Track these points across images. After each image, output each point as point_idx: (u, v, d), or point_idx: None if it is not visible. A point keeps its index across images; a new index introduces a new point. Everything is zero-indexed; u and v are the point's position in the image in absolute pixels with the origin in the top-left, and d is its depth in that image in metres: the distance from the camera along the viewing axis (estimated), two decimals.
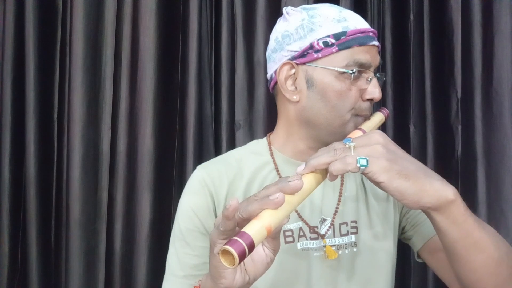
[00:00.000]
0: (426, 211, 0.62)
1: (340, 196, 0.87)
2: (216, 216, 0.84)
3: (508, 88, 1.30)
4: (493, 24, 1.31)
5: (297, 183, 0.56)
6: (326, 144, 0.65)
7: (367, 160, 0.58)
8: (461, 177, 1.34)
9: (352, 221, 0.86)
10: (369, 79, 0.80)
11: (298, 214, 0.84)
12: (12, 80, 1.54)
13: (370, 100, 0.81)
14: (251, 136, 1.48)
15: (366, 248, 0.85)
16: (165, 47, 1.51)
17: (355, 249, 0.84)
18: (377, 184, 0.59)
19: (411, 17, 1.43)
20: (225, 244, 0.50)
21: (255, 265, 0.60)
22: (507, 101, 1.30)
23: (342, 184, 0.88)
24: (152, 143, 1.49)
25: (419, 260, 0.90)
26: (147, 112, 1.49)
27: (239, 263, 0.50)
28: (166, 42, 1.51)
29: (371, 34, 0.81)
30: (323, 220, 0.85)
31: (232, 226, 0.55)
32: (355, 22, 0.81)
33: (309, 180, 0.59)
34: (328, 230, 0.84)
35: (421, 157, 1.39)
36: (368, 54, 0.80)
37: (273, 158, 0.88)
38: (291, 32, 0.82)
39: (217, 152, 1.49)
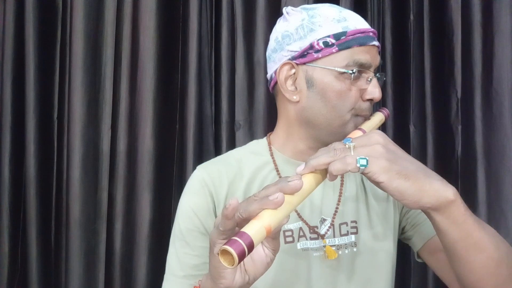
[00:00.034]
0: (426, 211, 0.62)
1: (340, 196, 0.87)
2: (216, 216, 0.84)
3: (508, 88, 1.30)
4: (493, 24, 1.31)
5: (296, 183, 0.56)
6: (326, 144, 0.65)
7: (367, 160, 0.58)
8: (461, 177, 1.34)
9: (352, 221, 0.86)
10: (369, 79, 0.80)
11: (298, 214, 0.84)
12: (12, 80, 1.54)
13: (370, 100, 0.81)
14: (251, 136, 1.48)
15: (366, 248, 0.85)
16: (165, 47, 1.51)
17: (355, 249, 0.84)
18: (377, 184, 0.59)
19: (411, 17, 1.43)
20: (225, 244, 0.50)
21: (255, 265, 0.60)
22: (507, 101, 1.30)
23: (342, 184, 0.88)
24: (152, 143, 1.49)
25: (419, 260, 0.90)
26: (147, 112, 1.49)
27: (239, 263, 0.50)
28: (166, 42, 1.51)
29: (371, 34, 0.81)
30: (323, 220, 0.85)
31: (231, 226, 0.55)
32: (355, 22, 0.81)
33: (308, 180, 0.59)
34: (328, 230, 0.84)
35: (421, 157, 1.39)
36: (368, 54, 0.80)
37: (273, 158, 0.88)
38: (291, 32, 0.82)
39: (217, 152, 1.49)
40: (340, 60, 0.78)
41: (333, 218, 0.85)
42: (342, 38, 0.78)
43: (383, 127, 1.35)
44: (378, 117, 0.82)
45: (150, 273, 1.47)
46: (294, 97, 0.83)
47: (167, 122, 1.50)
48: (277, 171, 0.87)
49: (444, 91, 1.39)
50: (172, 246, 0.86)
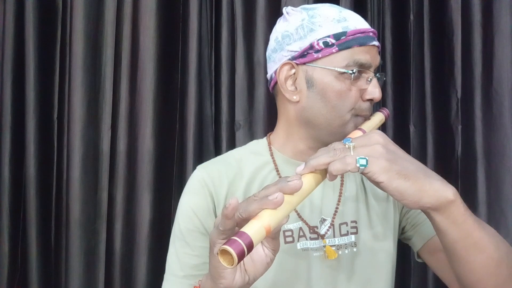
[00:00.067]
0: (426, 211, 0.62)
1: (340, 196, 0.87)
2: (216, 216, 0.84)
3: (508, 88, 1.30)
4: (493, 24, 1.31)
5: (296, 183, 0.56)
6: (326, 144, 0.65)
7: (367, 160, 0.58)
8: (461, 177, 1.34)
9: (352, 221, 0.86)
10: (369, 79, 0.80)
11: (298, 214, 0.84)
12: (12, 80, 1.54)
13: (370, 100, 0.81)
14: (251, 136, 1.48)
15: (366, 248, 0.85)
16: (165, 47, 1.51)
17: (355, 249, 0.84)
18: (377, 184, 0.59)
19: (411, 17, 1.43)
20: (224, 244, 0.50)
21: (255, 265, 0.60)
22: (507, 101, 1.30)
23: (342, 184, 0.88)
24: (152, 143, 1.49)
25: (419, 260, 0.90)
26: (147, 112, 1.49)
27: (238, 263, 0.50)
28: (166, 42, 1.51)
29: (371, 34, 0.81)
30: (323, 220, 0.85)
31: (231, 226, 0.55)
32: (355, 22, 0.81)
33: (308, 180, 0.59)
34: (328, 230, 0.84)
35: (421, 157, 1.39)
36: (368, 54, 0.80)
37: (273, 158, 0.88)
38: (291, 32, 0.82)
39: (217, 152, 1.49)
40: (340, 60, 0.78)
41: (333, 218, 0.85)
42: (342, 38, 0.78)
43: (383, 127, 1.35)
44: (378, 117, 0.82)
45: (150, 273, 1.47)
46: (294, 97, 0.83)
47: (167, 122, 1.50)
48: (277, 171, 0.87)
49: (444, 91, 1.39)
50: (172, 246, 0.86)
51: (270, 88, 0.89)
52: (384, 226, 0.88)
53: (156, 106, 1.49)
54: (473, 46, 1.33)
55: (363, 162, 0.58)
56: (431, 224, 0.65)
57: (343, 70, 0.78)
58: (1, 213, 1.53)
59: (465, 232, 0.62)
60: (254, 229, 0.52)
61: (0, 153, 1.53)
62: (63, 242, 1.50)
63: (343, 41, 0.78)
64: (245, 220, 0.54)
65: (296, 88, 0.83)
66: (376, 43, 0.81)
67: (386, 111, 0.84)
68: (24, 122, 1.51)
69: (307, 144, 0.85)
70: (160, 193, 1.50)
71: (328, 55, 0.79)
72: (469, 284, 0.67)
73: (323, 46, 0.78)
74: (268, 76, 0.89)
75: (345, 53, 0.78)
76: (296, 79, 0.82)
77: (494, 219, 1.29)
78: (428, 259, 0.87)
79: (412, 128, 1.43)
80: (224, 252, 0.51)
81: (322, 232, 0.84)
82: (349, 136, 0.72)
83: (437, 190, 0.60)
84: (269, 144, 0.90)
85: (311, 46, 0.79)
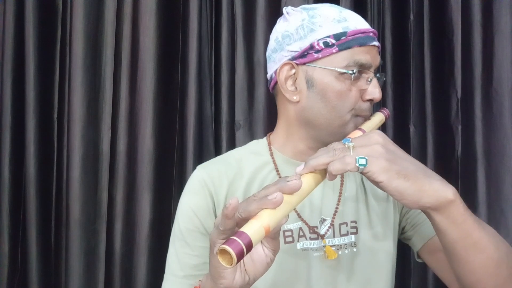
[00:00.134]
0: (426, 211, 0.62)
1: (340, 196, 0.87)
2: (216, 216, 0.84)
3: (508, 88, 1.30)
4: (493, 24, 1.31)
5: (296, 183, 0.56)
6: (326, 144, 0.65)
7: (366, 160, 0.58)
8: (461, 177, 1.34)
9: (352, 221, 0.86)
10: (369, 80, 0.80)
11: (298, 214, 0.84)
12: (12, 80, 1.54)
13: (370, 100, 0.81)
14: (251, 136, 1.48)
15: (366, 248, 0.85)
16: (165, 47, 1.51)
17: (355, 249, 0.84)
18: (377, 184, 0.59)
19: (411, 17, 1.43)
20: (223, 243, 0.50)
21: (255, 265, 0.60)
22: (507, 101, 1.30)
23: (342, 184, 0.88)
24: (152, 143, 1.49)
25: (419, 260, 0.90)
26: (147, 112, 1.49)
27: (237, 262, 0.50)
28: (166, 42, 1.51)
29: (371, 34, 0.81)
30: (322, 220, 0.85)
31: (231, 226, 0.55)
32: (356, 22, 0.81)
33: (308, 180, 0.59)
34: (328, 230, 0.84)
35: (421, 157, 1.39)
36: (368, 55, 0.80)
37: (273, 158, 0.88)
38: (291, 32, 0.82)
39: (217, 152, 1.49)
40: (340, 60, 0.78)
41: (333, 218, 0.85)
42: (342, 38, 0.78)
43: (383, 127, 1.35)
44: (378, 117, 0.82)
45: (150, 273, 1.47)
46: (294, 97, 0.83)
47: (167, 122, 1.50)
48: (277, 171, 0.87)
49: (444, 91, 1.39)
50: (172, 246, 0.86)
51: (270, 88, 0.89)
52: (384, 226, 0.88)
53: (156, 106, 1.49)
54: (473, 46, 1.33)
55: (363, 162, 0.58)
56: (431, 224, 0.65)
57: (343, 70, 0.78)
58: (1, 213, 1.53)
59: (465, 232, 0.62)
60: (253, 229, 0.52)
61: (0, 153, 1.53)
62: (63, 242, 1.50)
63: (343, 41, 0.78)
64: (245, 220, 0.55)
65: (296, 88, 0.83)
66: (376, 43, 0.81)
67: (386, 111, 0.84)
68: (24, 122, 1.51)
69: (307, 144, 0.85)
70: (160, 193, 1.50)
71: (328, 55, 0.79)
72: (468, 284, 0.66)
73: (323, 46, 0.78)
74: (268, 76, 0.89)
75: (345, 53, 0.78)
76: (296, 79, 0.82)
77: (494, 219, 1.29)
78: (428, 259, 0.87)
79: (412, 128, 1.43)
80: (223, 252, 0.51)
81: (322, 232, 0.84)
82: (349, 136, 0.72)
83: (437, 190, 0.60)
84: (269, 144, 0.90)
85: (311, 46, 0.79)
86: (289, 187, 0.56)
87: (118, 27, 1.51)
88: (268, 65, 0.88)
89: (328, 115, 0.80)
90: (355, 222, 0.86)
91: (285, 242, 0.82)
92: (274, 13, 1.46)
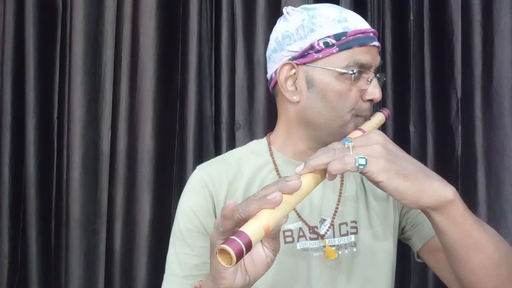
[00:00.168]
0: (426, 211, 0.62)
1: (340, 196, 0.87)
2: (216, 216, 0.84)
3: (508, 88, 1.30)
4: (493, 24, 1.31)
5: (295, 183, 0.56)
6: (326, 144, 0.65)
7: (366, 160, 0.58)
8: (461, 177, 1.34)
9: (351, 221, 0.86)
10: (369, 80, 0.80)
11: (298, 214, 0.84)
12: (12, 80, 1.54)
13: (370, 100, 0.81)
14: (251, 136, 1.48)
15: (365, 248, 0.85)
16: (165, 47, 1.51)
17: (354, 249, 0.84)
18: (376, 183, 0.59)
19: (411, 17, 1.43)
20: (223, 243, 0.50)
21: (255, 265, 0.60)
22: (507, 101, 1.30)
23: (342, 184, 0.88)
24: (152, 143, 1.49)
25: (419, 260, 0.90)
26: (147, 112, 1.49)
27: (237, 262, 0.50)
28: (166, 42, 1.51)
29: (371, 34, 0.81)
30: (322, 220, 0.85)
31: (231, 226, 0.55)
32: (356, 22, 0.81)
33: (308, 180, 0.59)
34: (327, 230, 0.84)
35: (421, 157, 1.39)
36: (369, 55, 0.80)
37: (272, 158, 0.88)
38: (291, 32, 0.82)
39: (217, 152, 1.49)
40: (340, 60, 0.78)
41: (333, 218, 0.85)
42: (343, 38, 0.78)
43: (383, 127, 1.35)
44: (378, 118, 0.82)
45: (150, 273, 1.47)
46: (294, 98, 0.83)
47: (167, 122, 1.50)
48: (277, 171, 0.87)
49: (444, 91, 1.39)
50: (171, 246, 0.86)
51: (270, 88, 0.89)
52: (384, 226, 0.88)
53: (156, 106, 1.49)
54: (473, 46, 1.33)
55: (362, 161, 0.58)
56: (430, 224, 0.65)
57: (344, 71, 0.78)
58: (1, 213, 1.53)
59: (465, 232, 0.62)
60: (252, 229, 0.52)
61: (0, 153, 1.53)
62: (63, 242, 1.50)
63: (343, 41, 0.78)
64: (245, 221, 0.55)
65: (296, 88, 0.83)
66: (376, 43, 0.81)
67: (386, 111, 0.84)
68: (24, 122, 1.51)
69: (307, 144, 0.85)
70: (160, 193, 1.50)
71: (329, 55, 0.79)
72: (468, 284, 0.66)
73: (323, 47, 0.78)
74: (268, 76, 0.89)
75: (345, 54, 0.78)
76: (296, 79, 0.82)
77: (494, 219, 1.29)
78: (428, 259, 0.87)
79: (412, 128, 1.43)
80: (223, 252, 0.51)
81: (322, 232, 0.84)
82: (349, 136, 0.72)
83: (437, 190, 0.60)
84: (269, 144, 0.90)
85: (312, 46, 0.79)
86: (288, 187, 0.56)
87: (118, 27, 1.51)
88: (268, 65, 0.88)
89: (328, 115, 0.80)
90: (355, 222, 0.86)
91: (285, 242, 0.82)
92: (274, 13, 1.46)
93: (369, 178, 0.59)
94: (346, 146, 0.60)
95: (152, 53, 1.49)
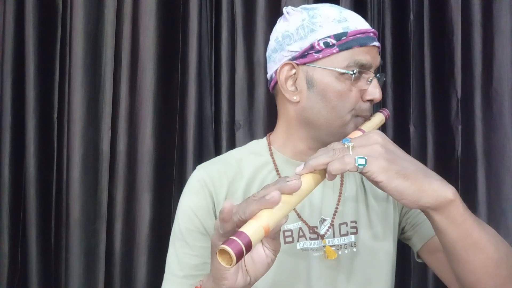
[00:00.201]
0: (425, 211, 0.62)
1: (339, 196, 0.87)
2: (215, 216, 0.84)
3: (508, 88, 1.30)
4: (493, 24, 1.31)
5: (295, 183, 0.56)
6: (326, 144, 0.65)
7: (366, 160, 0.58)
8: (461, 177, 1.34)
9: (351, 221, 0.86)
10: (369, 80, 0.80)
11: (298, 214, 0.84)
12: (12, 80, 1.54)
13: (371, 100, 0.81)
14: (251, 136, 1.48)
15: (365, 248, 0.85)
16: (165, 47, 1.51)
17: (354, 249, 0.84)
18: (376, 183, 0.59)
19: (411, 17, 1.43)
20: (223, 243, 0.50)
21: (256, 265, 0.60)
22: (507, 101, 1.30)
23: (341, 184, 0.88)
24: (152, 143, 1.49)
25: (419, 260, 0.90)
26: (147, 112, 1.49)
27: (237, 262, 0.50)
28: (166, 42, 1.51)
29: (371, 34, 0.81)
30: (322, 220, 0.85)
31: (230, 228, 0.55)
32: (356, 22, 0.81)
33: (307, 180, 0.59)
34: (327, 230, 0.84)
35: (421, 157, 1.39)
36: (369, 55, 0.80)
37: (272, 158, 0.88)
38: (291, 32, 0.82)
39: (217, 152, 1.49)
40: (340, 60, 0.78)
41: (333, 218, 0.85)
42: (343, 38, 0.78)
43: (383, 127, 1.35)
44: (378, 118, 0.82)
45: (150, 273, 1.47)
46: (294, 98, 0.83)
47: (167, 122, 1.50)
48: (277, 171, 0.87)
49: (444, 91, 1.39)
50: (171, 246, 0.86)
51: (270, 88, 0.89)
52: (384, 226, 0.88)
53: (156, 106, 1.49)
54: (473, 46, 1.33)
55: (362, 161, 0.58)
56: (430, 224, 0.65)
57: (344, 71, 0.78)
58: (1, 213, 1.53)
59: (465, 232, 0.62)
60: (252, 229, 0.52)
61: (0, 153, 1.53)
62: (63, 242, 1.50)
63: (343, 41, 0.78)
64: (245, 221, 0.54)
65: (296, 88, 0.83)
66: (376, 43, 0.81)
67: (386, 111, 0.84)
68: (24, 122, 1.52)
69: (307, 144, 0.85)
70: (160, 193, 1.50)
71: (329, 55, 0.79)
72: (468, 284, 0.66)
73: (323, 47, 0.78)
74: (268, 76, 0.89)
75: (345, 54, 0.78)
76: (296, 79, 0.82)
77: (494, 219, 1.29)
78: (427, 259, 0.87)
79: (412, 128, 1.43)
80: (223, 252, 0.51)
81: (322, 232, 0.84)
82: (348, 136, 0.72)
83: (436, 190, 0.60)
84: (269, 144, 0.90)
85: (312, 47, 0.79)
86: (288, 187, 0.56)
87: (118, 27, 1.51)
88: (268, 65, 0.88)
89: (328, 115, 0.80)
90: (355, 222, 0.86)
91: (285, 242, 0.82)
92: (274, 13, 1.46)
93: (368, 178, 0.59)
94: (346, 146, 0.60)
95: (152, 53, 1.49)
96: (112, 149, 1.50)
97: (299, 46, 0.80)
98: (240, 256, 0.50)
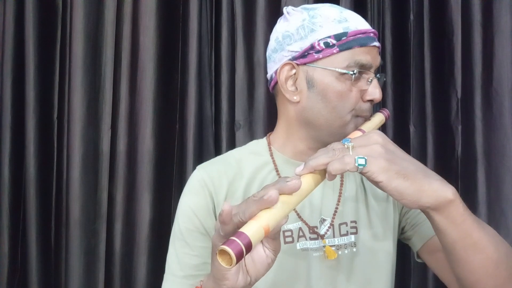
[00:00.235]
0: (425, 211, 0.62)
1: (339, 196, 0.87)
2: (215, 216, 0.84)
3: (508, 88, 1.30)
4: (493, 24, 1.31)
5: (295, 183, 0.56)
6: (326, 144, 0.65)
7: (366, 160, 0.58)
8: (461, 177, 1.34)
9: (351, 221, 0.86)
10: (369, 80, 0.80)
11: (298, 214, 0.84)
12: (12, 80, 1.54)
13: (371, 101, 0.81)
14: (251, 136, 1.48)
15: (365, 248, 0.85)
16: (165, 47, 1.51)
17: (354, 249, 0.84)
18: (376, 183, 0.59)
19: (411, 17, 1.43)
20: (222, 244, 0.50)
21: (256, 266, 0.60)
22: (507, 101, 1.30)
23: (341, 184, 0.88)
24: (152, 143, 1.49)
25: (418, 260, 0.90)
26: (147, 112, 1.49)
27: (237, 262, 0.50)
28: (166, 42, 1.51)
29: (372, 35, 0.81)
30: (322, 220, 0.85)
31: (231, 229, 0.55)
32: (356, 22, 0.81)
33: (307, 180, 0.59)
34: (327, 230, 0.84)
35: (421, 157, 1.39)
36: (369, 55, 0.80)
37: (272, 158, 0.88)
38: (291, 32, 0.82)
39: (217, 152, 1.49)
40: (340, 60, 0.78)
41: (333, 218, 0.85)
42: (343, 38, 0.78)
43: (383, 127, 1.35)
44: (379, 118, 0.82)
45: (150, 273, 1.47)
46: (295, 98, 0.83)
47: (167, 122, 1.50)
48: (277, 171, 0.87)
49: (444, 91, 1.38)
50: (171, 246, 0.86)
51: (270, 88, 0.89)
52: (383, 226, 0.88)
53: (156, 106, 1.49)
54: (473, 46, 1.33)
55: (362, 161, 0.58)
56: (430, 224, 0.65)
57: (344, 71, 0.78)
58: (1, 213, 1.53)
59: (464, 232, 0.62)
60: (252, 230, 0.52)
61: (0, 153, 1.53)
62: (63, 242, 1.50)
63: (344, 41, 0.78)
64: (245, 222, 0.54)
65: (296, 88, 0.83)
66: (376, 43, 0.81)
67: (386, 111, 0.84)
68: (24, 122, 1.52)
69: (307, 144, 0.85)
70: (160, 193, 1.50)
71: (329, 55, 0.79)
72: (468, 284, 0.66)
73: (323, 47, 0.78)
74: (268, 76, 0.89)
75: (345, 54, 0.78)
76: (296, 79, 0.82)
77: (494, 219, 1.29)
78: (427, 259, 0.87)
79: (412, 128, 1.43)
80: (223, 252, 0.51)
81: (322, 232, 0.84)
82: (348, 136, 0.72)
83: (436, 190, 0.60)
84: (269, 144, 0.90)
85: (312, 47, 0.79)
86: (288, 187, 0.56)
87: (118, 27, 1.51)
88: (268, 65, 0.88)
89: (328, 115, 0.80)
90: (355, 222, 0.86)
91: (285, 242, 0.82)
92: (274, 13, 1.46)
93: (368, 178, 0.59)
94: (345, 146, 0.60)
95: (152, 53, 1.49)
96: (112, 149, 1.50)
97: (299, 46, 0.80)
98: (240, 256, 0.50)
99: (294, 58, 0.81)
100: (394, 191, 0.58)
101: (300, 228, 0.83)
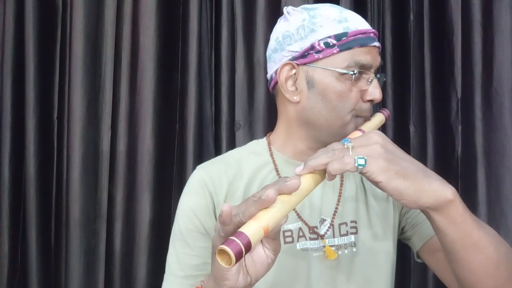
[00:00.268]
0: (425, 211, 0.62)
1: (339, 196, 0.87)
2: (215, 216, 0.84)
3: (508, 88, 1.30)
4: (493, 24, 1.31)
5: (294, 183, 0.56)
6: (326, 144, 0.65)
7: (365, 160, 0.58)
8: (461, 177, 1.34)
9: (351, 221, 0.86)
10: (369, 80, 0.80)
11: (298, 214, 0.84)
12: (12, 80, 1.54)
13: (371, 101, 0.81)
14: (251, 136, 1.48)
15: (365, 248, 0.85)
16: (165, 47, 1.51)
17: (354, 249, 0.84)
18: (376, 184, 0.59)
19: (411, 17, 1.43)
20: (222, 243, 0.50)
21: (256, 266, 0.60)
22: (507, 101, 1.30)
23: (341, 184, 0.88)
24: (152, 143, 1.49)
25: (418, 260, 0.90)
26: (147, 112, 1.49)
27: (236, 262, 0.50)
28: (166, 42, 1.51)
29: (372, 35, 0.81)
30: (322, 220, 0.85)
31: (231, 230, 0.55)
32: (356, 22, 0.81)
33: (307, 180, 0.59)
34: (327, 230, 0.84)
35: (421, 157, 1.39)
36: (369, 55, 0.80)
37: (272, 158, 0.88)
38: (291, 32, 0.82)
39: (217, 152, 1.49)
40: (341, 61, 0.78)
41: (333, 218, 0.85)
42: (343, 39, 0.78)
43: (383, 127, 1.35)
44: (379, 118, 0.82)
45: (150, 273, 1.47)
46: (295, 98, 0.83)
47: (167, 122, 1.50)
48: (277, 171, 0.87)
49: (444, 91, 1.38)
50: (171, 246, 0.86)
51: (270, 88, 0.89)
52: (383, 226, 0.88)
53: (156, 106, 1.49)
54: (473, 46, 1.33)
55: (362, 162, 0.58)
56: (430, 224, 0.65)
57: (344, 71, 0.78)
58: (1, 213, 1.53)
59: (464, 232, 0.62)
60: (252, 229, 0.52)
61: (0, 153, 1.53)
62: (63, 242, 1.50)
63: (344, 41, 0.78)
64: (245, 222, 0.54)
65: (296, 88, 0.83)
66: (377, 44, 0.81)
67: (387, 112, 0.84)
68: (24, 122, 1.51)
69: (307, 144, 0.85)
70: (160, 193, 1.50)
71: (329, 55, 0.79)
72: (468, 284, 0.66)
73: (324, 47, 0.78)
74: (268, 76, 0.89)
75: (346, 54, 0.78)
76: (296, 79, 0.82)
77: (494, 219, 1.29)
78: (427, 259, 0.87)
79: (412, 128, 1.43)
80: (222, 252, 0.51)
81: (322, 232, 0.84)
82: (348, 136, 0.72)
83: (436, 190, 0.60)
84: (269, 144, 0.90)
85: (312, 47, 0.79)
86: (287, 187, 0.56)
87: (118, 27, 1.51)
88: (268, 65, 0.88)
89: (328, 115, 0.80)
90: (355, 222, 0.86)
91: (285, 242, 0.82)
92: (274, 13, 1.46)
93: (368, 178, 0.59)
94: (345, 146, 0.60)
95: (152, 53, 1.49)
96: (112, 149, 1.50)
97: (300, 46, 0.80)
98: (239, 256, 0.50)
99: (294, 58, 0.81)
100: (394, 191, 0.58)
101: (300, 228, 0.83)
